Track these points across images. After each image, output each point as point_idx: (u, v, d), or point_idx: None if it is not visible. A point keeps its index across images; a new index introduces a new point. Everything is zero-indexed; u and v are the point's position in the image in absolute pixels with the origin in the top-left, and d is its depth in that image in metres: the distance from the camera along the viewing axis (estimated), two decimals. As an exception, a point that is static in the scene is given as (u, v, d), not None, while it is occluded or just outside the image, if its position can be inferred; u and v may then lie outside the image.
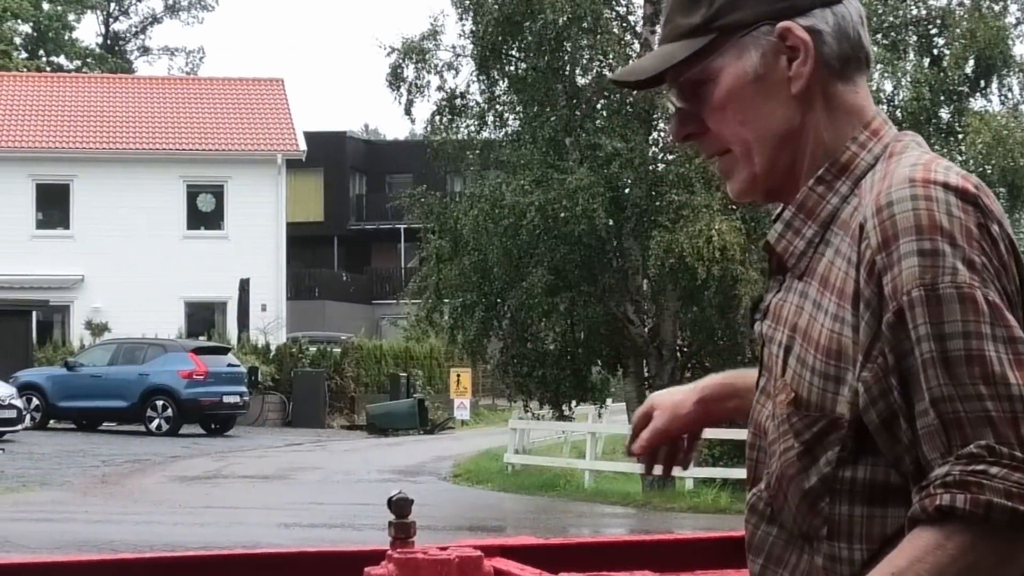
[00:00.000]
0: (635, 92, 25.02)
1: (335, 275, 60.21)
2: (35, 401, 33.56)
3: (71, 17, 68.22)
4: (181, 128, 46.76)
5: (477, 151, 26.38)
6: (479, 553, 2.54)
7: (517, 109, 26.06)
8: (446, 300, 25.93)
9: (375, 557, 2.59)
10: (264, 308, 43.48)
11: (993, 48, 24.33)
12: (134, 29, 75.83)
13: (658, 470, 2.44)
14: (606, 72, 25.61)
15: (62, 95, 48.04)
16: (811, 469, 1.80)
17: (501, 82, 26.13)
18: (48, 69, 62.90)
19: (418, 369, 43.71)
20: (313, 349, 41.69)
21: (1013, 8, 25.75)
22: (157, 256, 43.87)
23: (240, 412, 35.24)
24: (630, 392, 26.21)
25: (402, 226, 54.88)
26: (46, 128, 46.17)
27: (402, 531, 2.54)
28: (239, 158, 46.29)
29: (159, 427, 33.49)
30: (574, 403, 27.22)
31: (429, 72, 26.15)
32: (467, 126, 26.56)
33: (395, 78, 26.20)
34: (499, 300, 25.14)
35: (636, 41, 25.81)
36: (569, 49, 25.24)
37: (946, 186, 1.75)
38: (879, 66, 23.46)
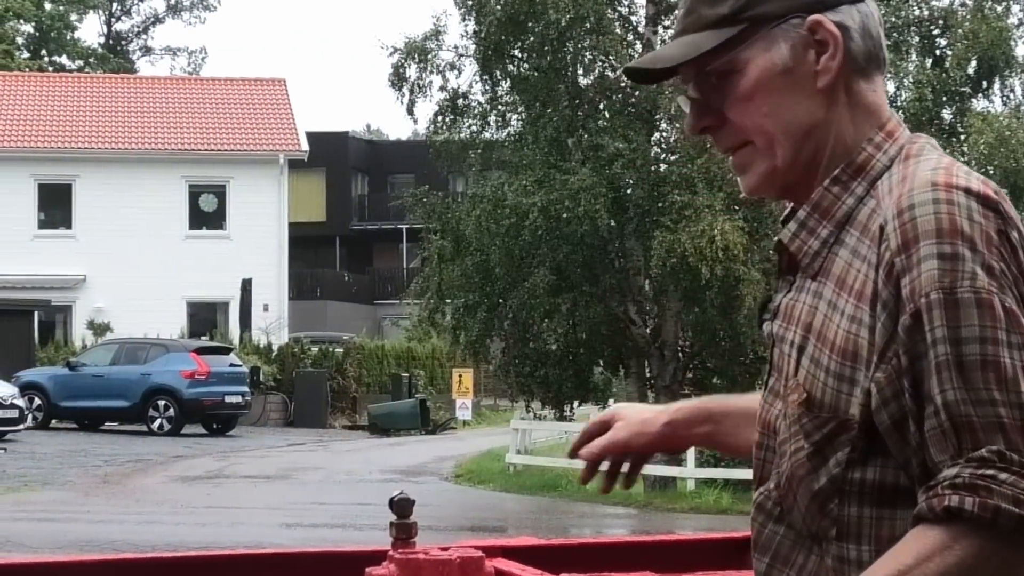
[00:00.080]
0: (637, 93, 25.03)
1: (337, 275, 60.22)
2: (37, 401, 33.57)
3: (73, 17, 68.25)
4: (183, 128, 46.77)
5: (479, 151, 26.39)
6: (480, 554, 2.55)
7: (519, 109, 26.06)
8: (448, 300, 25.93)
9: (376, 557, 2.59)
10: (266, 308, 43.48)
11: (995, 49, 24.32)
12: (136, 29, 75.89)
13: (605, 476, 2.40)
14: (608, 73, 25.62)
15: (64, 95, 48.05)
16: (821, 470, 1.80)
17: (503, 82, 26.13)
18: (50, 69, 62.93)
19: (420, 369, 43.71)
20: (315, 349, 41.69)
21: (1015, 9, 25.75)
22: (159, 256, 43.88)
23: (242, 412, 35.24)
24: (632, 393, 26.20)
25: (404, 226, 54.88)
26: (48, 128, 46.19)
27: (403, 531, 2.54)
28: (241, 158, 46.30)
29: (161, 427, 33.49)
30: (576, 404, 27.21)
31: (431, 72, 26.15)
32: (469, 126, 26.56)
33: (397, 78, 26.20)
34: (501, 300, 25.14)
35: (638, 42, 25.80)
36: (571, 49, 25.24)
37: (968, 191, 1.76)
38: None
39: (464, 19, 25.63)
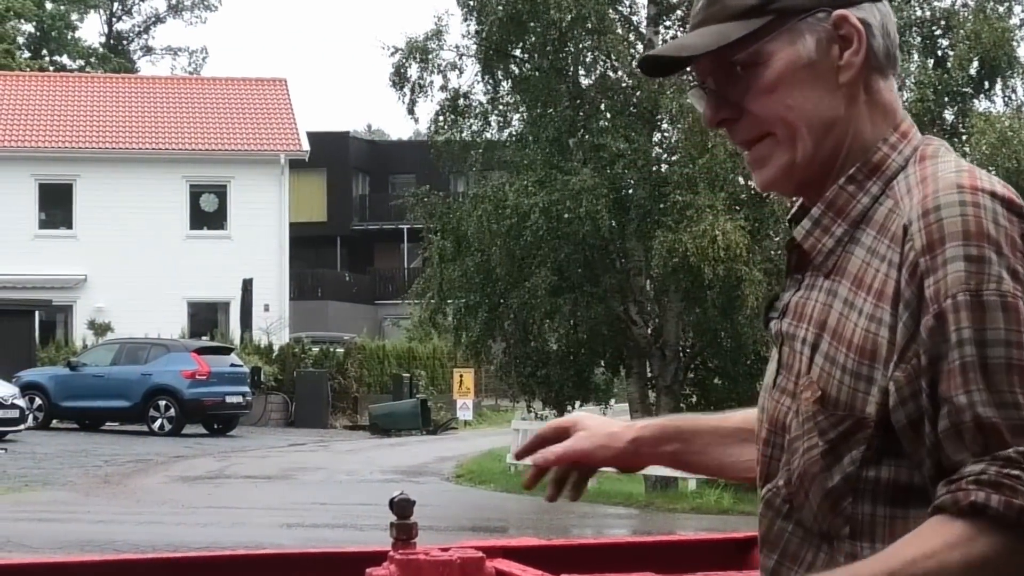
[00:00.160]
0: (638, 93, 25.04)
1: (338, 275, 60.25)
2: (38, 401, 33.58)
3: (74, 17, 68.30)
4: (184, 128, 46.79)
5: (481, 151, 26.39)
6: (481, 554, 2.54)
7: (520, 109, 26.07)
8: (449, 301, 25.93)
9: (377, 558, 2.59)
10: (267, 308, 43.50)
11: (998, 49, 24.33)
12: (137, 29, 75.94)
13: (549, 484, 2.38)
14: (609, 73, 25.63)
15: (65, 95, 48.07)
16: (835, 468, 1.81)
17: (505, 82, 26.14)
18: (51, 69, 62.96)
19: (421, 369, 43.72)
20: (316, 349, 41.71)
21: (1018, 9, 25.75)
22: (160, 256, 43.90)
23: (243, 412, 35.25)
24: (633, 393, 26.22)
25: (405, 226, 54.90)
26: (49, 128, 46.20)
27: (404, 532, 2.53)
28: (242, 158, 46.32)
29: (162, 427, 33.51)
30: (577, 404, 27.21)
31: (433, 72, 26.16)
32: (470, 126, 26.57)
33: (398, 78, 26.21)
34: (502, 301, 25.15)
35: (639, 42, 25.80)
36: (572, 49, 25.25)
37: (993, 195, 1.77)
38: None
39: (466, 19, 25.65)
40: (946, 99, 25.04)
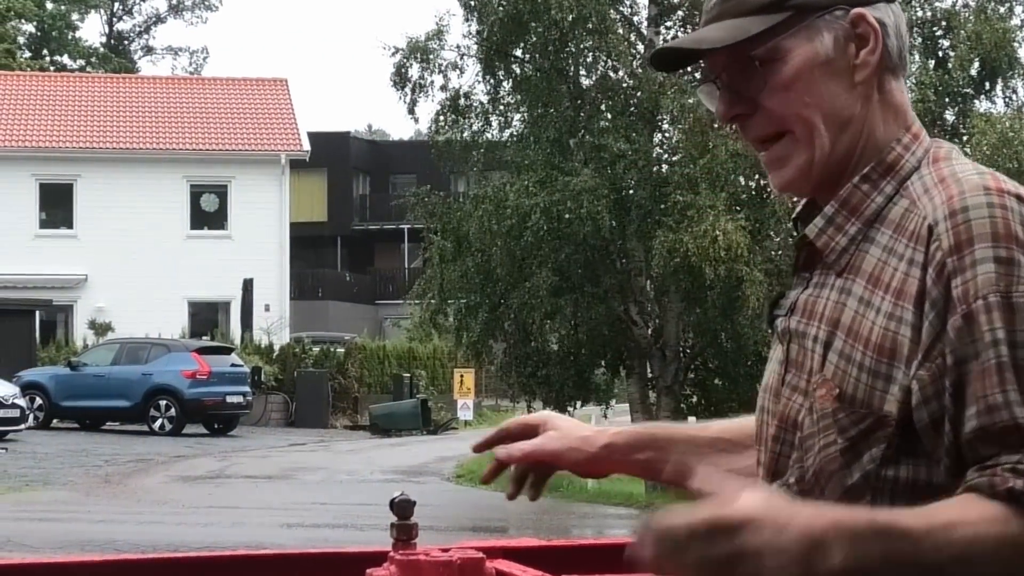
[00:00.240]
0: (639, 93, 25.04)
1: (338, 275, 60.26)
2: (38, 400, 33.59)
3: (75, 17, 68.30)
4: (185, 128, 46.79)
5: (482, 151, 26.40)
6: (481, 555, 2.54)
7: (521, 110, 26.07)
8: (450, 301, 25.94)
9: (377, 558, 2.59)
10: (267, 308, 43.51)
11: (998, 50, 24.33)
12: (138, 29, 75.96)
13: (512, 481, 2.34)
14: (610, 73, 25.64)
15: (66, 95, 48.07)
16: (854, 466, 1.81)
17: (505, 82, 26.14)
18: (52, 69, 62.95)
19: (421, 369, 43.72)
20: (316, 349, 41.71)
21: (1019, 10, 25.76)
22: (160, 256, 43.90)
23: (243, 412, 35.26)
24: (633, 393, 26.22)
25: (405, 226, 54.92)
26: (49, 128, 46.21)
27: (404, 532, 2.53)
28: (243, 158, 46.32)
29: (162, 427, 33.51)
30: (578, 404, 27.22)
31: (433, 72, 26.16)
32: (471, 126, 26.57)
33: (399, 78, 26.21)
34: (502, 301, 25.15)
35: (640, 43, 25.81)
36: (573, 50, 25.26)
37: (1019, 197, 1.78)
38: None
39: (467, 19, 25.66)
40: (947, 100, 25.04)
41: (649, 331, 25.70)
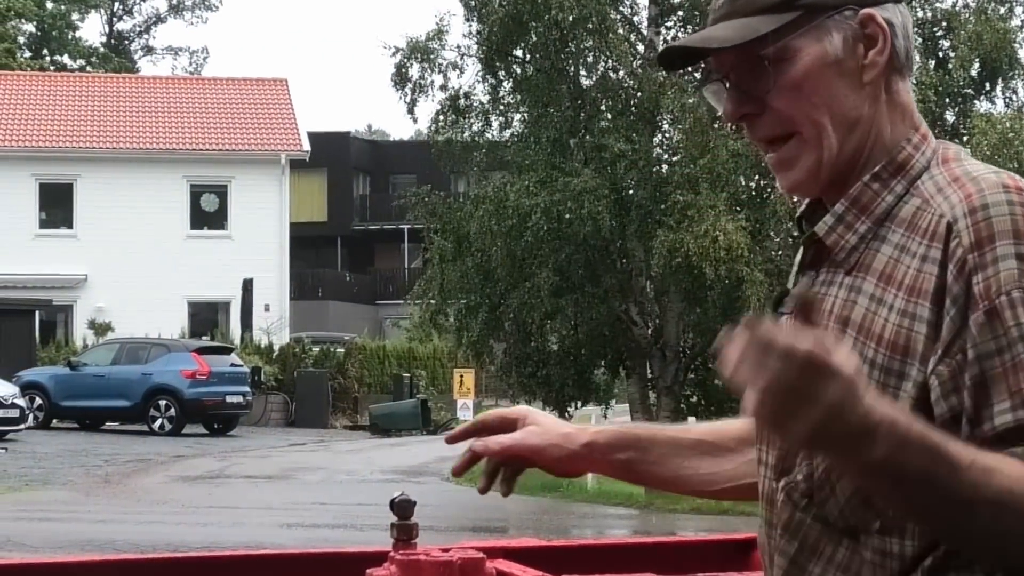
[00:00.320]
0: (639, 93, 25.04)
1: (338, 275, 60.27)
2: (38, 400, 33.59)
3: (75, 16, 68.31)
4: (185, 128, 46.80)
5: (484, 151, 26.41)
6: (481, 555, 2.54)
7: (522, 110, 26.08)
8: (451, 301, 25.95)
9: (377, 558, 2.59)
10: (267, 308, 43.51)
11: (999, 51, 24.33)
12: (138, 29, 75.97)
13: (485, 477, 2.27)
14: (611, 73, 25.64)
15: (66, 95, 48.08)
16: None
17: (506, 82, 26.14)
18: (52, 68, 62.95)
19: (421, 370, 43.73)
20: (316, 349, 41.72)
21: (1019, 11, 25.79)
22: (160, 256, 43.91)
23: (243, 412, 35.26)
24: (633, 394, 26.23)
25: (406, 226, 54.92)
26: (49, 128, 46.21)
27: (404, 533, 2.53)
28: (243, 158, 46.33)
29: (162, 427, 33.52)
30: (579, 404, 27.22)
31: (434, 71, 26.17)
32: (471, 126, 26.58)
33: (400, 78, 26.21)
34: (502, 301, 25.15)
35: (641, 43, 25.82)
36: (574, 50, 25.25)
37: None
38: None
39: (468, 19, 25.66)
40: (947, 100, 25.06)
41: (649, 331, 25.70)
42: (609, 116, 25.42)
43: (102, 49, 70.55)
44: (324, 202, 60.68)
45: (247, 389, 35.07)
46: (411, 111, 26.64)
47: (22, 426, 29.69)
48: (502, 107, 26.41)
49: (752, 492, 2.19)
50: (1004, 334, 1.72)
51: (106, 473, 24.72)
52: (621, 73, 25.56)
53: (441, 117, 26.33)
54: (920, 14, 25.34)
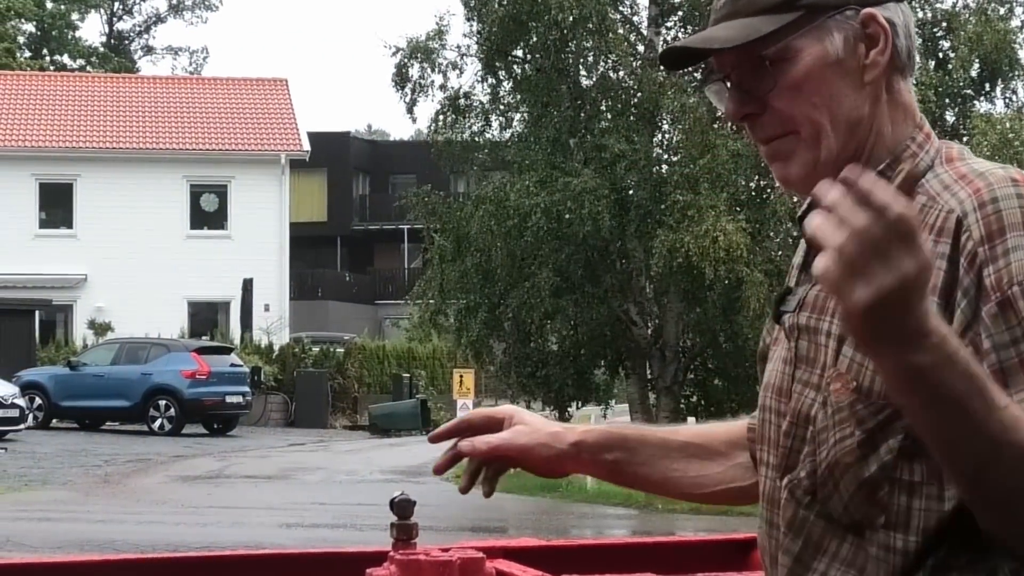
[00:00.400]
0: (639, 93, 25.05)
1: (338, 275, 60.26)
2: (37, 400, 33.58)
3: (75, 16, 68.31)
4: (185, 128, 46.80)
5: (486, 151, 26.43)
6: (481, 554, 2.54)
7: (522, 110, 26.10)
8: (451, 301, 25.96)
9: (377, 558, 2.59)
10: (267, 308, 43.50)
11: (999, 52, 24.36)
12: (138, 28, 75.96)
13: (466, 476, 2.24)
14: (611, 73, 25.65)
15: (65, 94, 48.07)
16: (871, 457, 1.81)
17: (506, 82, 26.17)
18: (51, 68, 62.96)
19: (421, 370, 43.71)
20: (316, 349, 41.71)
21: (1019, 11, 25.81)
22: (160, 256, 43.91)
23: (243, 412, 35.25)
24: (633, 394, 26.24)
25: (405, 226, 54.92)
26: (49, 127, 46.21)
27: (404, 532, 2.53)
28: (243, 158, 46.33)
29: (161, 427, 33.51)
30: (578, 404, 27.22)
31: (434, 71, 26.19)
32: (471, 126, 26.61)
33: (400, 78, 26.23)
34: (501, 301, 25.16)
35: (641, 43, 25.83)
36: (574, 49, 25.28)
37: None
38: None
39: (468, 18, 25.69)
40: (947, 100, 25.07)
41: (649, 331, 25.72)
42: (609, 116, 25.44)
43: (102, 49, 70.55)
44: (324, 202, 60.68)
45: (247, 389, 35.06)
46: (410, 111, 26.67)
47: (22, 426, 29.69)
48: (502, 107, 26.44)
49: (740, 496, 2.19)
50: (1018, 324, 1.73)
51: (106, 473, 24.72)
52: (621, 73, 25.59)
53: (441, 117, 26.35)
54: (920, 14, 25.36)
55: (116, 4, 74.00)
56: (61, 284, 43.49)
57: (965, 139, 24.46)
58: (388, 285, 59.67)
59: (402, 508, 2.55)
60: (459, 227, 25.03)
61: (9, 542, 15.55)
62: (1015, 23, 25.43)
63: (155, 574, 2.91)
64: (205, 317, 45.54)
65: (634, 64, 25.40)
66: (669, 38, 25.54)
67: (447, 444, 2.29)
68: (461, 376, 36.82)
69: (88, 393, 33.55)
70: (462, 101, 26.28)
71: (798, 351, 1.93)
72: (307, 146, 47.10)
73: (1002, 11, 25.45)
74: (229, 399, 34.15)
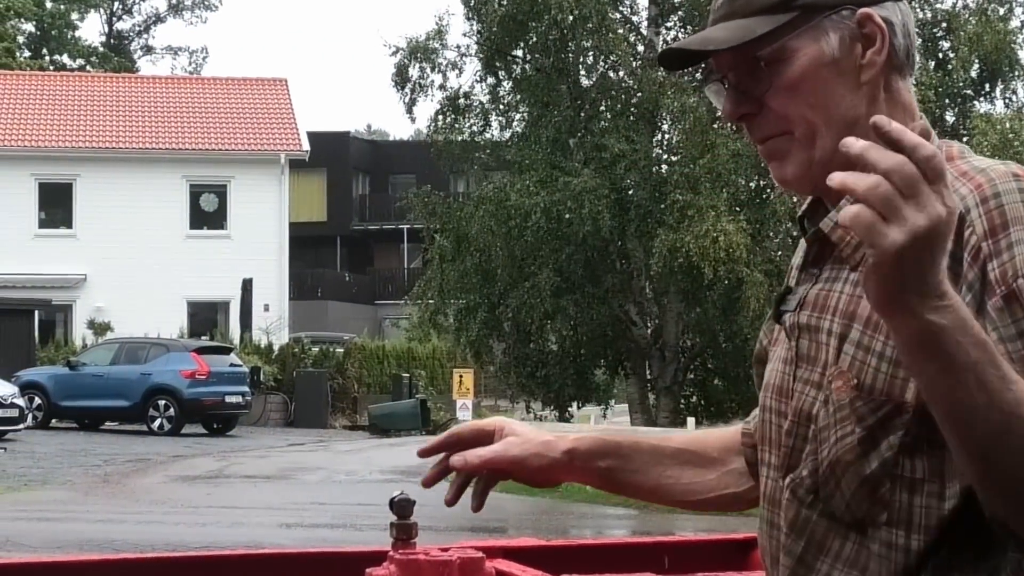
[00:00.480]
0: (639, 93, 25.04)
1: (338, 275, 60.27)
2: (37, 400, 33.57)
3: (74, 16, 68.32)
4: (184, 128, 46.80)
5: (487, 151, 26.44)
6: (481, 554, 2.53)
7: (521, 109, 26.11)
8: (451, 301, 25.97)
9: (377, 558, 2.58)
10: (267, 308, 43.50)
11: (998, 52, 24.37)
12: (137, 28, 75.96)
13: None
14: (610, 73, 25.65)
15: (65, 94, 48.07)
16: (872, 454, 1.80)
17: (506, 82, 26.18)
18: (51, 68, 62.96)
19: (420, 370, 43.70)
20: (315, 349, 41.71)
21: (1019, 12, 25.82)
22: (160, 256, 43.91)
23: (242, 412, 35.24)
24: (632, 394, 26.23)
25: (405, 226, 54.94)
26: (49, 127, 46.21)
27: (404, 532, 2.53)
28: (242, 158, 46.33)
29: (161, 427, 33.50)
30: (578, 404, 27.22)
31: (434, 71, 26.20)
32: (470, 126, 26.62)
33: (400, 78, 26.24)
34: (501, 301, 25.16)
35: (640, 43, 25.82)
36: (573, 49, 25.29)
37: None
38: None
39: (468, 18, 25.70)
40: (947, 101, 25.08)
41: (649, 331, 25.72)
42: (609, 116, 25.45)
43: (101, 49, 70.55)
44: (323, 202, 60.69)
45: (246, 389, 35.05)
46: (410, 111, 26.68)
47: (21, 426, 29.68)
48: (502, 107, 26.45)
49: (733, 503, 2.19)
50: (1021, 317, 1.73)
51: (105, 473, 24.71)
52: (621, 73, 25.60)
53: (440, 117, 26.36)
54: (920, 14, 25.38)
55: (116, 4, 74.01)
56: (61, 284, 43.49)
57: (965, 139, 24.47)
58: (388, 285, 59.68)
59: (401, 508, 2.55)
60: (459, 227, 25.03)
61: (9, 542, 15.54)
62: (1015, 23, 25.46)
63: (154, 574, 2.91)
64: (205, 317, 45.53)
65: (634, 64, 25.40)
66: (669, 38, 25.54)
67: (438, 456, 2.29)
68: (461, 376, 36.82)
69: (87, 393, 33.55)
70: (462, 101, 26.30)
71: (799, 350, 1.93)
72: (307, 146, 47.10)
73: (1002, 11, 25.46)
74: (228, 399, 34.15)
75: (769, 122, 1.92)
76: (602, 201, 23.42)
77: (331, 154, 56.79)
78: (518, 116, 26.41)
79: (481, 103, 26.45)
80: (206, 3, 73.65)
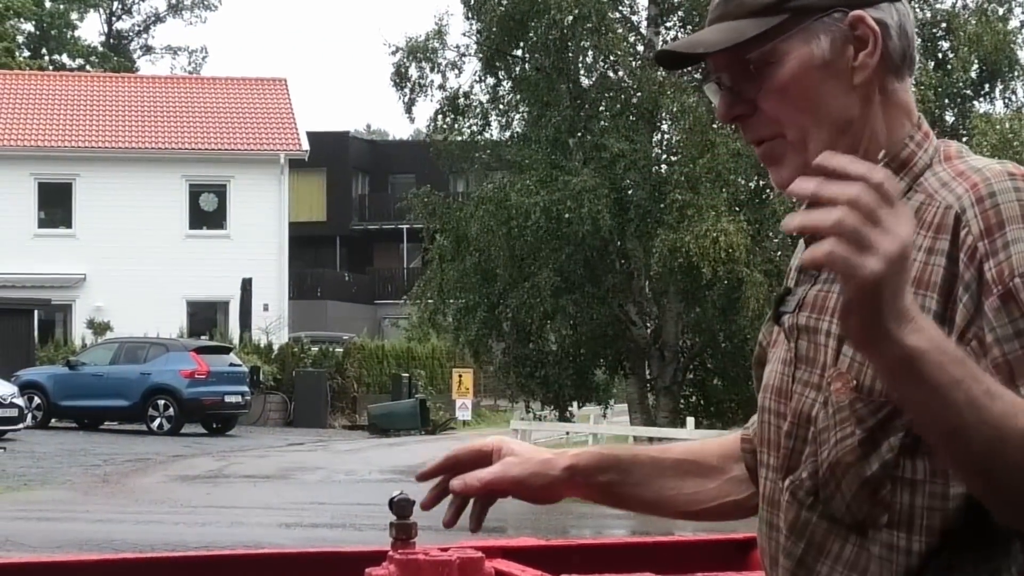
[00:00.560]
0: (639, 93, 25.04)
1: (337, 275, 60.27)
2: (37, 400, 33.58)
3: (74, 16, 68.32)
4: (184, 127, 46.81)
5: (488, 152, 26.44)
6: (480, 554, 2.53)
7: (521, 109, 26.11)
8: (450, 301, 25.97)
9: (376, 558, 2.58)
10: (266, 308, 43.50)
11: (998, 52, 24.37)
12: (137, 28, 75.95)
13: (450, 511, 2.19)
14: (610, 73, 25.65)
15: (65, 94, 48.07)
16: (872, 456, 1.80)
17: (505, 82, 26.18)
18: (51, 68, 62.97)
19: (420, 369, 43.72)
20: (315, 349, 41.72)
21: (1018, 12, 25.83)
22: (159, 255, 43.91)
23: (242, 412, 35.25)
24: (632, 394, 26.22)
25: (404, 226, 54.94)
26: (48, 127, 46.21)
27: (403, 532, 2.53)
28: (242, 158, 46.33)
29: (160, 426, 33.50)
30: (578, 404, 27.21)
31: (433, 71, 26.20)
32: (470, 126, 26.62)
33: (400, 78, 26.23)
34: (500, 301, 25.16)
35: (640, 43, 25.82)
36: (573, 48, 25.29)
37: None
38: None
39: (468, 17, 25.70)
40: (947, 101, 25.08)
41: (648, 331, 25.72)
42: (608, 116, 25.44)
43: (101, 48, 70.55)
44: (323, 202, 60.69)
45: (246, 389, 35.06)
46: (409, 111, 26.68)
47: (21, 425, 29.68)
48: (502, 107, 26.45)
49: (735, 511, 2.18)
50: (1021, 316, 1.73)
51: (104, 473, 24.71)
52: (620, 73, 25.60)
53: (440, 117, 26.36)
54: (920, 14, 25.38)
55: (115, 4, 74.01)
56: (60, 283, 43.49)
57: (965, 139, 24.47)
58: (387, 285, 59.69)
59: (401, 508, 2.55)
60: (459, 227, 25.03)
61: (8, 542, 15.54)
62: (1015, 23, 25.46)
63: (154, 574, 2.91)
64: (204, 317, 45.54)
65: (633, 64, 25.40)
66: (669, 38, 25.54)
67: (437, 465, 2.27)
68: (460, 376, 36.85)
69: (87, 393, 33.55)
70: (461, 101, 26.29)
71: (798, 351, 1.93)
72: (306, 146, 47.10)
73: (1001, 11, 25.46)
74: (228, 399, 34.15)
75: (762, 124, 1.92)
76: (602, 201, 23.41)
77: (331, 154, 56.79)
78: (518, 116, 26.41)
79: (481, 103, 26.45)
80: (205, 3, 73.67)
